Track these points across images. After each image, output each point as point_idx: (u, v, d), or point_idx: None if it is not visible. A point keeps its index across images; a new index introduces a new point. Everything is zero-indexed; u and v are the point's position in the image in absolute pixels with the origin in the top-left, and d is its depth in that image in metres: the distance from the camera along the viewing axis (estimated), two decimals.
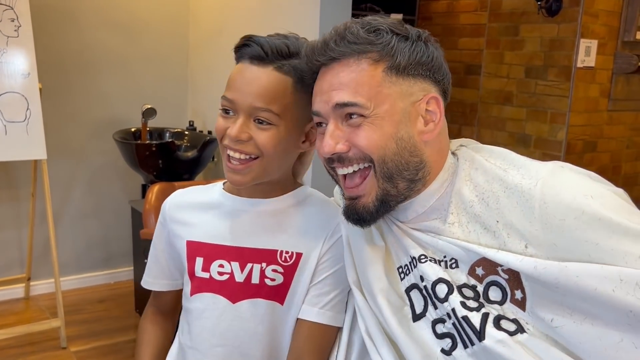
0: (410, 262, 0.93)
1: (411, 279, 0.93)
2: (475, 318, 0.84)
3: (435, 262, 0.90)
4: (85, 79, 3.11)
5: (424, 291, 0.91)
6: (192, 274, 1.02)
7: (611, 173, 3.38)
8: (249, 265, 0.98)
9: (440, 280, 0.88)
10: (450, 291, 0.87)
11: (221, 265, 0.99)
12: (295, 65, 0.94)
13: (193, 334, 1.02)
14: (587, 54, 3.03)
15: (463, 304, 0.85)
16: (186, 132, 3.26)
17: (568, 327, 0.79)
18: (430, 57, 0.90)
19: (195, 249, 1.02)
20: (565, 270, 0.77)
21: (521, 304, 0.83)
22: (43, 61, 2.76)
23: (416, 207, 0.93)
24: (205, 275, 1.00)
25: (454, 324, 0.86)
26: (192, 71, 3.43)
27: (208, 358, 1.01)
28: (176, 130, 3.25)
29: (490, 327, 0.82)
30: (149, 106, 2.92)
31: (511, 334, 0.81)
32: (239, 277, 0.98)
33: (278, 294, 0.99)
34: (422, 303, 0.91)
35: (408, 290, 0.93)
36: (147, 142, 3.00)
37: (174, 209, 1.07)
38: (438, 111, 0.90)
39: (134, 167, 2.96)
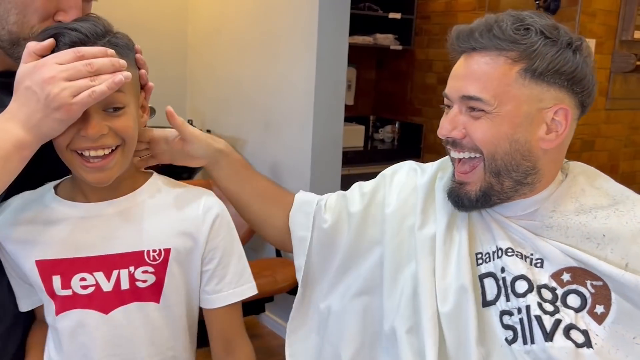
0: (494, 252, 0.93)
1: (489, 267, 0.93)
2: (548, 321, 0.85)
3: (521, 258, 0.91)
4: None
5: (500, 282, 0.91)
6: (52, 293, 0.92)
7: (609, 172, 3.37)
8: (116, 272, 0.91)
9: (522, 276, 0.89)
10: (530, 289, 0.88)
11: (83, 279, 0.91)
12: (116, 41, 0.89)
13: (67, 353, 0.94)
14: None
15: (539, 305, 0.87)
16: None
17: None
18: (573, 68, 0.87)
19: (48, 267, 0.91)
20: None
21: (599, 318, 0.84)
22: None
23: (517, 210, 0.94)
24: (68, 292, 0.91)
25: (521, 320, 0.87)
26: (191, 70, 3.43)
27: None
28: None
29: (559, 334, 0.84)
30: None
31: (578, 345, 0.83)
32: (107, 287, 0.91)
33: (153, 293, 0.93)
34: (495, 292, 0.91)
35: (482, 277, 0.93)
36: None
37: (8, 228, 0.93)
38: (564, 123, 0.89)
39: None
